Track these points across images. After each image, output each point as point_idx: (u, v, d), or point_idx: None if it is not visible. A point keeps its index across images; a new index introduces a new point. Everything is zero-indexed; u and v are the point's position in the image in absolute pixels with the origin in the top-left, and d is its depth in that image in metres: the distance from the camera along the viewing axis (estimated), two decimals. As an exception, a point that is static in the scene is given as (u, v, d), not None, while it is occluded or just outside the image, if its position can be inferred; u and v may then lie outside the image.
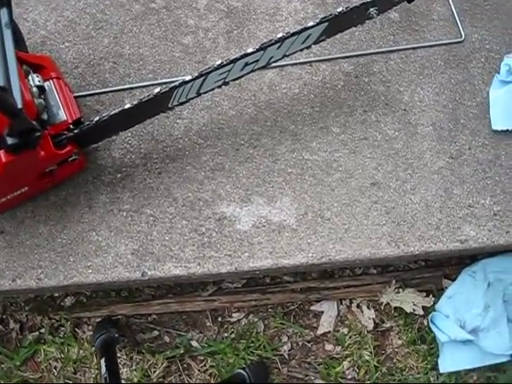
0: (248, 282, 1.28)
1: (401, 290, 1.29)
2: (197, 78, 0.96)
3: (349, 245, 1.06)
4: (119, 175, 1.09)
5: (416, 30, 1.22)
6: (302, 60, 1.17)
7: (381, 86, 1.17)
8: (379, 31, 1.21)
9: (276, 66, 1.15)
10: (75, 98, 1.06)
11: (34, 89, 0.94)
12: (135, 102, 0.95)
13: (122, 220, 1.06)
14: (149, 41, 1.19)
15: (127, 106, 0.95)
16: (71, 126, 0.98)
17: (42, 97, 0.97)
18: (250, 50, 0.96)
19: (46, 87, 0.99)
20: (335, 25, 1.02)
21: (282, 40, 0.97)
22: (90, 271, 1.03)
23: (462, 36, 1.22)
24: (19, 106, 0.81)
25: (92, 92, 1.15)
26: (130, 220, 1.06)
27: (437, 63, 1.20)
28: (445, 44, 1.21)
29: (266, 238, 1.06)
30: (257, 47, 0.97)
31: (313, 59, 1.18)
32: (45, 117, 0.96)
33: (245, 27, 1.20)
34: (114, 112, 0.96)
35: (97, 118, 0.96)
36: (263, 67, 1.04)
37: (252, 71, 1.03)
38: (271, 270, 1.05)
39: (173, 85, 0.95)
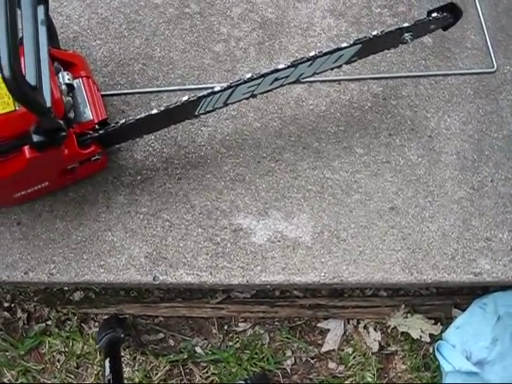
0: (257, 293, 1.28)
1: (409, 315, 1.28)
2: (226, 89, 0.96)
3: (362, 267, 1.05)
4: (139, 177, 1.10)
5: (448, 57, 1.21)
6: (331, 78, 1.17)
7: (408, 110, 1.16)
8: (411, 55, 1.21)
9: (305, 82, 1.15)
10: (102, 96, 1.07)
11: (63, 87, 0.95)
12: (162, 108, 0.96)
13: (139, 222, 1.07)
14: (180, 45, 1.19)
15: (154, 111, 0.96)
16: (97, 126, 0.98)
17: (71, 95, 0.97)
18: (281, 66, 0.96)
19: (75, 85, 0.99)
20: (368, 47, 1.01)
21: (313, 58, 0.97)
22: (102, 271, 1.04)
23: (493, 66, 1.20)
24: (48, 104, 0.81)
25: (119, 92, 1.15)
26: (146, 223, 1.07)
27: (466, 92, 1.19)
28: (476, 73, 1.20)
29: (280, 253, 1.06)
30: (288, 64, 0.96)
31: (342, 78, 1.18)
32: (71, 115, 0.96)
33: (277, 39, 1.20)
34: (140, 116, 0.96)
35: (122, 121, 0.96)
36: (293, 83, 1.04)
37: (281, 86, 1.03)
38: (282, 285, 1.06)
39: (201, 94, 0.95)
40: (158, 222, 1.07)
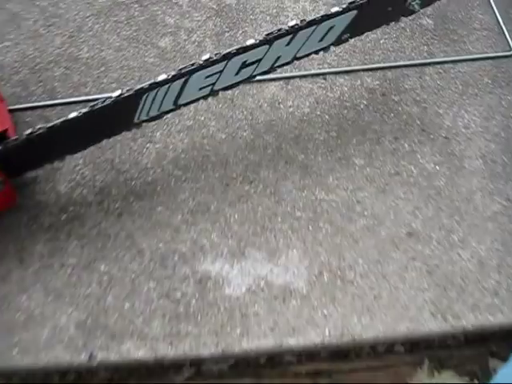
0: (237, 362, 1.01)
1: (436, 372, 1.05)
2: (174, 78, 0.73)
3: (379, 317, 0.86)
4: (64, 216, 0.91)
5: (454, 40, 1.10)
6: (313, 71, 1.02)
7: (415, 106, 1.04)
8: (410, 40, 1.09)
9: (280, 78, 0.99)
10: (10, 111, 0.90)
11: None
12: (85, 111, 0.70)
13: (65, 279, 0.87)
14: (114, 42, 1.06)
15: (73, 115, 0.70)
16: (-8, 143, 0.74)
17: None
18: (250, 42, 0.72)
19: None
20: (365, 17, 0.81)
21: (294, 31, 0.75)
22: (16, 351, 0.82)
23: (510, 49, 1.09)
24: None
25: (35, 104, 1.02)
26: (75, 279, 0.87)
27: (482, 81, 1.08)
28: (491, 58, 1.11)
29: (266, 307, 0.86)
30: (260, 39, 0.73)
31: (327, 70, 1.03)
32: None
33: (239, 29, 1.07)
34: (53, 124, 0.72)
35: (28, 131, 0.72)
36: (265, 73, 0.84)
37: (250, 78, 0.82)
38: (272, 352, 0.84)
39: (139, 86, 0.70)
40: (92, 277, 0.87)
